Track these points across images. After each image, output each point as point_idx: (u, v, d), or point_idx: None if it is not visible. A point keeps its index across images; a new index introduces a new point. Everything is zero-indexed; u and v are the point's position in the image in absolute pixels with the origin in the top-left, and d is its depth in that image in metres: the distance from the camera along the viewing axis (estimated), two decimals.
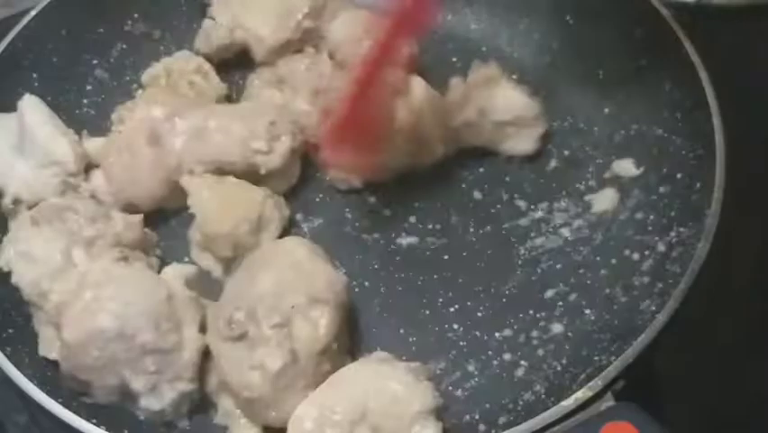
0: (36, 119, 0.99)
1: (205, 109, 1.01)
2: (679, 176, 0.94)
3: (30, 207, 0.95)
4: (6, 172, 0.97)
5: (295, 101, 1.03)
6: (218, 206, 0.95)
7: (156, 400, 0.85)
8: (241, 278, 0.90)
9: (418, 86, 1.02)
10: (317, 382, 0.84)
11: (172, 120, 0.98)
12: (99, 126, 1.09)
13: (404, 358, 0.88)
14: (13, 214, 0.96)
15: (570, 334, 0.91)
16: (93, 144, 1.03)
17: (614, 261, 0.95)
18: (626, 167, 1.01)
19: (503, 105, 1.01)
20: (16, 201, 0.96)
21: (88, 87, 1.10)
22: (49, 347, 0.88)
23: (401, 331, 0.93)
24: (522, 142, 1.03)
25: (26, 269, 0.89)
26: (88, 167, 1.01)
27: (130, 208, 0.98)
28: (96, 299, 0.84)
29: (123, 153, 0.99)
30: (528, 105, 1.02)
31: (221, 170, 0.98)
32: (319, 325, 0.85)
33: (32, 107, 1.00)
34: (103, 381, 0.84)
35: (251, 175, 0.98)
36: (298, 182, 1.02)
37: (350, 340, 0.90)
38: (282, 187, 1.00)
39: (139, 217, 0.94)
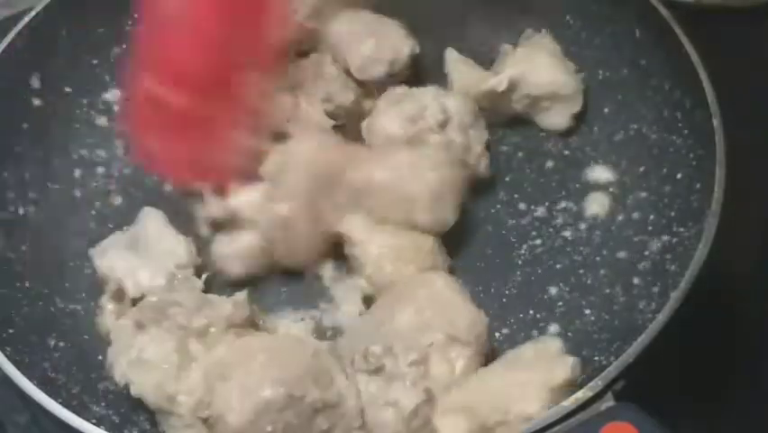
0: (153, 220, 0.98)
1: (371, 161, 0.95)
2: (679, 176, 0.94)
3: (133, 304, 0.91)
4: (113, 264, 0.95)
5: (308, 108, 1.02)
6: (391, 255, 0.92)
7: None
8: (378, 311, 0.88)
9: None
10: None
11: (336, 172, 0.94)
12: (101, 127, 1.09)
13: None
14: (113, 310, 0.93)
15: (570, 334, 0.91)
16: (240, 200, 0.96)
17: (614, 261, 0.95)
18: (599, 174, 1.02)
19: (536, 80, 1.02)
20: (119, 293, 0.93)
21: (89, 88, 1.10)
22: None
23: None
24: (555, 117, 1.04)
25: (145, 377, 0.83)
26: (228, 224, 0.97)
27: (286, 263, 0.96)
28: (252, 373, 0.80)
29: (284, 217, 0.94)
30: (564, 82, 1.02)
31: (381, 222, 0.94)
32: (456, 366, 0.83)
33: (149, 214, 0.98)
34: None
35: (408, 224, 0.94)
36: None
37: None
38: (436, 230, 0.95)
39: (243, 295, 0.89)
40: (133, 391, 0.84)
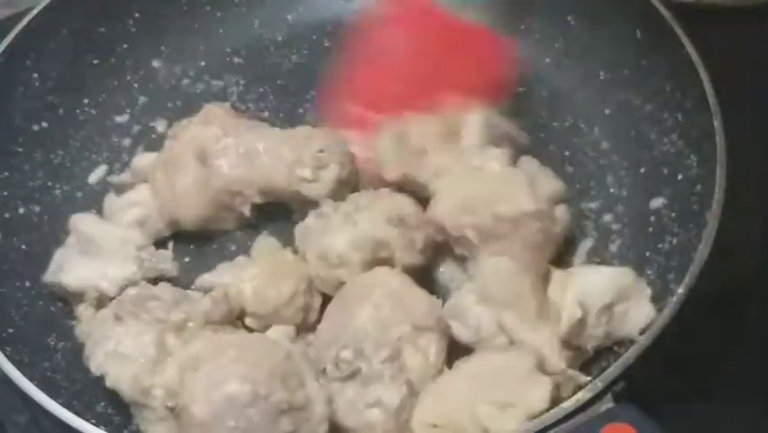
0: (90, 222, 0.97)
1: (257, 131, 0.99)
2: (679, 177, 0.94)
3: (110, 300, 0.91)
4: (81, 275, 0.93)
5: None
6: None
7: None
8: (335, 316, 0.88)
9: None
10: None
11: (223, 140, 0.97)
12: (101, 126, 1.09)
13: None
14: (94, 315, 0.92)
15: None
16: (142, 160, 1.02)
17: (615, 263, 0.95)
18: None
19: (599, 288, 0.85)
20: (100, 299, 0.92)
21: (89, 87, 1.10)
22: None
23: None
24: (637, 314, 0.85)
25: (121, 369, 0.84)
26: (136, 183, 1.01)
27: (174, 226, 0.98)
28: (221, 367, 0.80)
29: (171, 170, 0.97)
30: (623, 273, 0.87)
31: (268, 195, 0.96)
32: (430, 353, 0.83)
33: (82, 219, 0.98)
34: None
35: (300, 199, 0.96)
36: None
37: None
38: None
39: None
40: (108, 382, 0.84)
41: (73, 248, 0.96)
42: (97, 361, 0.85)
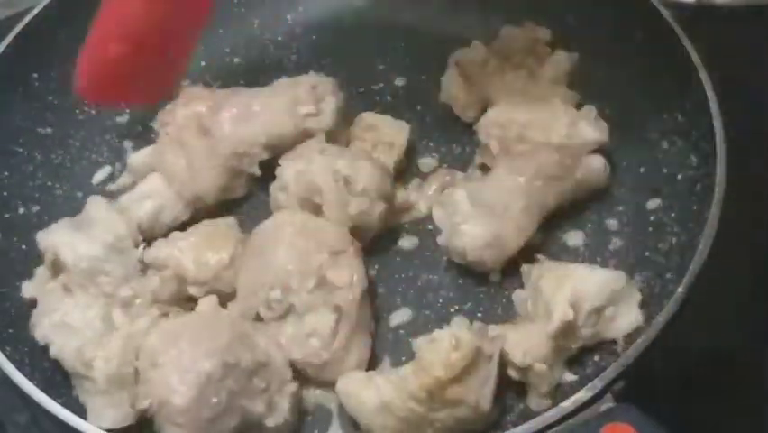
0: (99, 206, 0.96)
1: (243, 94, 1.03)
2: (679, 177, 0.94)
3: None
4: (52, 237, 0.93)
5: None
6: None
7: (278, 414, 0.84)
8: (252, 263, 0.90)
9: None
10: (368, 327, 0.89)
11: (215, 111, 1.00)
12: (101, 126, 1.09)
13: (403, 360, 0.88)
14: (47, 280, 0.93)
15: None
16: (140, 155, 1.03)
17: (614, 262, 0.95)
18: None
19: (588, 291, 0.85)
20: (56, 264, 0.92)
21: None
22: (101, 417, 0.83)
23: (401, 332, 0.93)
24: (625, 318, 0.85)
25: (66, 340, 0.85)
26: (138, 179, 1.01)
27: (195, 204, 0.99)
28: (184, 352, 0.82)
29: (177, 152, 0.99)
30: (614, 278, 0.86)
31: (275, 148, 0.99)
32: (351, 273, 0.87)
33: (93, 201, 0.97)
34: (227, 424, 0.81)
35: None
36: None
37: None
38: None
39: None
40: (53, 352, 0.85)
41: (74, 220, 0.96)
42: (42, 330, 0.87)
